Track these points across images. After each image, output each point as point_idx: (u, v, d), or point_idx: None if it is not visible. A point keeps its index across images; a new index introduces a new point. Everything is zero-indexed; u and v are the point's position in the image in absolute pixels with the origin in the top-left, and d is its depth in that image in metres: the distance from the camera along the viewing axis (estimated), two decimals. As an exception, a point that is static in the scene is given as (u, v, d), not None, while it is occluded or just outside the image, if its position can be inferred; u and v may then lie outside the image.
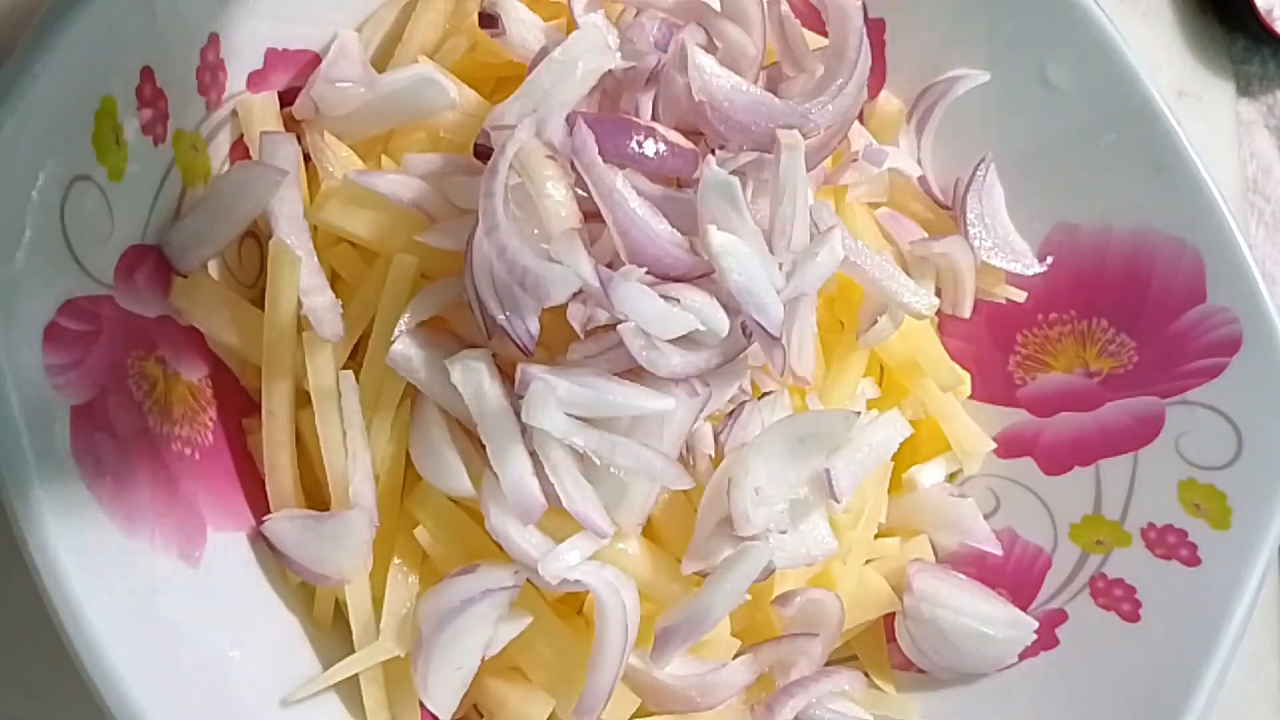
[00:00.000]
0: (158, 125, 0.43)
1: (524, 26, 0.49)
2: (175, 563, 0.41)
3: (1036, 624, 0.53)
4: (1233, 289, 0.53)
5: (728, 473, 0.44)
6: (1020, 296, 0.58)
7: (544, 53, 0.46)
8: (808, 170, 0.46)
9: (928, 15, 0.57)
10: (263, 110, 0.48)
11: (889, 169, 0.56)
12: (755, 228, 0.44)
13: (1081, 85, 0.56)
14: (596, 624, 0.43)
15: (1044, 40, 0.56)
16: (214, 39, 0.45)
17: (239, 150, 0.49)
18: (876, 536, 0.54)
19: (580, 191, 0.43)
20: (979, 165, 0.57)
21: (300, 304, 0.45)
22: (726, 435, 0.46)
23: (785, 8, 0.50)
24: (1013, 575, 0.56)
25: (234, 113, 0.48)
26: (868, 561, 0.54)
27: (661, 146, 0.45)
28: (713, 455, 0.46)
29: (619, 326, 0.42)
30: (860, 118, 0.56)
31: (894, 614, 0.54)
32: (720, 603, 0.44)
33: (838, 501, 0.47)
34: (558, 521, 0.43)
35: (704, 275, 0.44)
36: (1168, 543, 0.53)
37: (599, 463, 0.42)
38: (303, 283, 0.45)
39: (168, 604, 0.40)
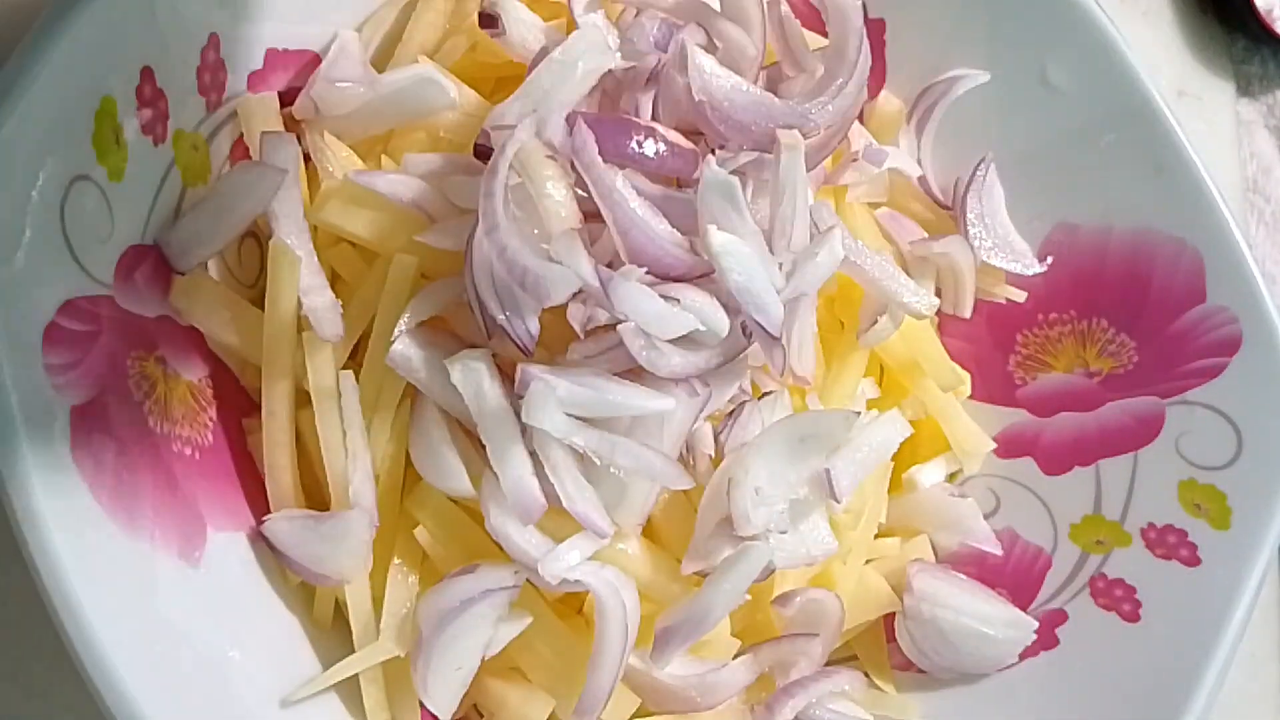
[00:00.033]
0: (158, 125, 0.43)
1: (524, 26, 0.49)
2: (175, 562, 0.41)
3: (1036, 624, 0.53)
4: (1233, 289, 0.53)
5: (728, 473, 0.44)
6: (1020, 296, 0.58)
7: (544, 53, 0.46)
8: (808, 170, 0.46)
9: (928, 15, 0.57)
10: (263, 110, 0.48)
11: (889, 169, 0.56)
12: (755, 228, 0.44)
13: (1081, 85, 0.56)
14: (596, 624, 0.43)
15: (1044, 40, 0.56)
16: (214, 39, 0.45)
17: (239, 150, 0.49)
18: (876, 536, 0.54)
19: (580, 191, 0.43)
20: (979, 165, 0.57)
21: (300, 304, 0.45)
22: (726, 435, 0.46)
23: (785, 8, 0.50)
24: (1013, 575, 0.56)
25: (234, 113, 0.48)
26: (868, 561, 0.54)
27: (661, 146, 0.45)
28: (713, 455, 0.46)
29: (619, 326, 0.42)
30: (860, 118, 0.56)
31: (894, 614, 0.54)
32: (720, 603, 0.44)
33: (838, 501, 0.47)
34: (558, 521, 0.43)
35: (704, 275, 0.44)
36: (1168, 543, 0.53)
37: (599, 463, 0.42)
38: (303, 283, 0.45)
39: (167, 604, 0.40)
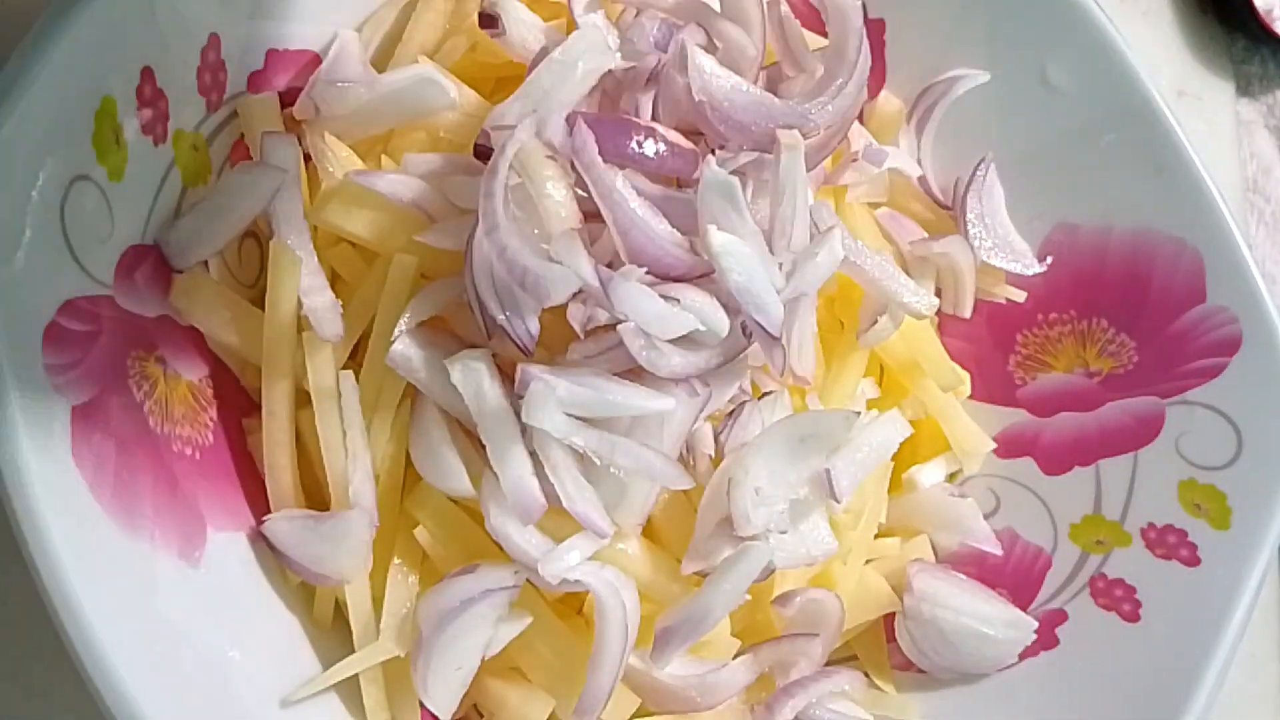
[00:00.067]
0: (158, 125, 0.43)
1: (524, 27, 0.49)
2: (175, 562, 0.41)
3: (1036, 624, 0.53)
4: (1233, 289, 0.53)
5: (728, 473, 0.44)
6: (1020, 296, 0.58)
7: (544, 53, 0.46)
8: (808, 170, 0.46)
9: (928, 15, 0.57)
10: (263, 111, 0.48)
11: (889, 169, 0.56)
12: (755, 228, 0.44)
13: (1081, 85, 0.56)
14: (596, 624, 0.43)
15: (1044, 40, 0.56)
16: (214, 39, 0.45)
17: (239, 151, 0.49)
18: (876, 536, 0.54)
19: (580, 191, 0.43)
20: (979, 165, 0.57)
21: (300, 304, 0.45)
22: (726, 435, 0.46)
23: (785, 8, 0.50)
24: (1013, 575, 0.56)
25: (234, 113, 0.48)
26: (868, 561, 0.54)
27: (661, 146, 0.45)
28: (713, 455, 0.46)
29: (619, 326, 0.42)
30: (860, 118, 0.56)
31: (894, 614, 0.54)
32: (720, 603, 0.44)
33: (838, 501, 0.47)
34: (558, 521, 0.43)
35: (704, 275, 0.44)
36: (1168, 543, 0.53)
37: (599, 463, 0.42)
38: (303, 283, 0.45)
39: (167, 604, 0.40)
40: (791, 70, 0.50)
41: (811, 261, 0.45)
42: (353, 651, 0.45)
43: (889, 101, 0.60)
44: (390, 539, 0.46)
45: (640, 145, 0.44)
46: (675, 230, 0.44)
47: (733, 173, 0.44)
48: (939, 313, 0.57)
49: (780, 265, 0.45)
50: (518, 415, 0.42)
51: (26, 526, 0.35)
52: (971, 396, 0.59)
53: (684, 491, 0.46)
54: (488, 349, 0.44)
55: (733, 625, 0.48)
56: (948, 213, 0.59)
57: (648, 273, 0.42)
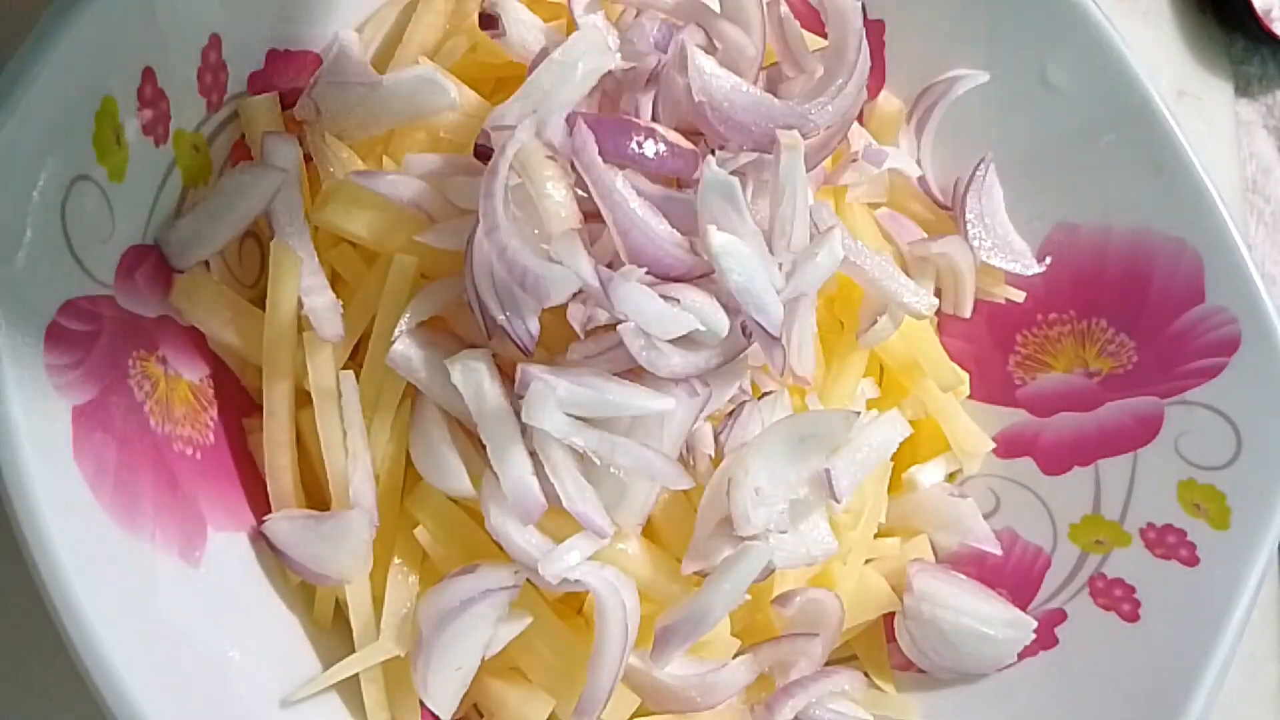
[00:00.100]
0: (159, 126, 0.43)
1: (524, 27, 0.49)
2: (176, 562, 0.41)
3: (1036, 624, 0.53)
4: (1232, 289, 0.53)
5: (728, 473, 0.44)
6: (1020, 296, 0.58)
7: (544, 53, 0.46)
8: (808, 170, 0.46)
9: (927, 16, 0.57)
10: (264, 111, 0.48)
11: (889, 169, 0.56)
12: (755, 228, 0.44)
13: (1081, 85, 0.56)
14: (596, 624, 0.43)
15: (1044, 40, 0.56)
16: (215, 39, 0.45)
17: (240, 151, 0.49)
18: (876, 536, 0.54)
19: (580, 192, 0.43)
20: (978, 165, 0.57)
21: (301, 304, 0.45)
22: (726, 435, 0.46)
23: (785, 9, 0.50)
24: (1012, 575, 0.56)
25: (235, 113, 0.48)
26: (868, 561, 0.54)
27: (661, 147, 0.45)
28: (713, 455, 0.46)
29: (619, 326, 0.42)
30: (860, 118, 0.57)
31: (894, 614, 0.54)
32: (720, 603, 0.44)
33: (838, 501, 0.47)
34: (558, 521, 0.43)
35: (704, 275, 0.44)
36: (1167, 542, 0.53)
37: (599, 463, 0.42)
38: (303, 283, 0.45)
39: (168, 604, 0.40)
40: (791, 71, 0.50)
41: (811, 261, 0.45)
42: (353, 651, 0.45)
43: (889, 101, 0.60)
44: (390, 539, 0.46)
45: (640, 145, 0.44)
46: (675, 230, 0.44)
47: (733, 173, 0.44)
48: (939, 313, 0.57)
49: (780, 265, 0.45)
50: (518, 415, 0.42)
51: (27, 526, 0.35)
52: (971, 396, 0.59)
53: (684, 491, 0.46)
54: (488, 349, 0.44)
55: (733, 625, 0.49)
56: (947, 213, 0.59)
57: (648, 273, 0.43)
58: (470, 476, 0.44)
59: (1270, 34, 0.78)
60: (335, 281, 0.48)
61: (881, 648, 0.55)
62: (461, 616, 0.43)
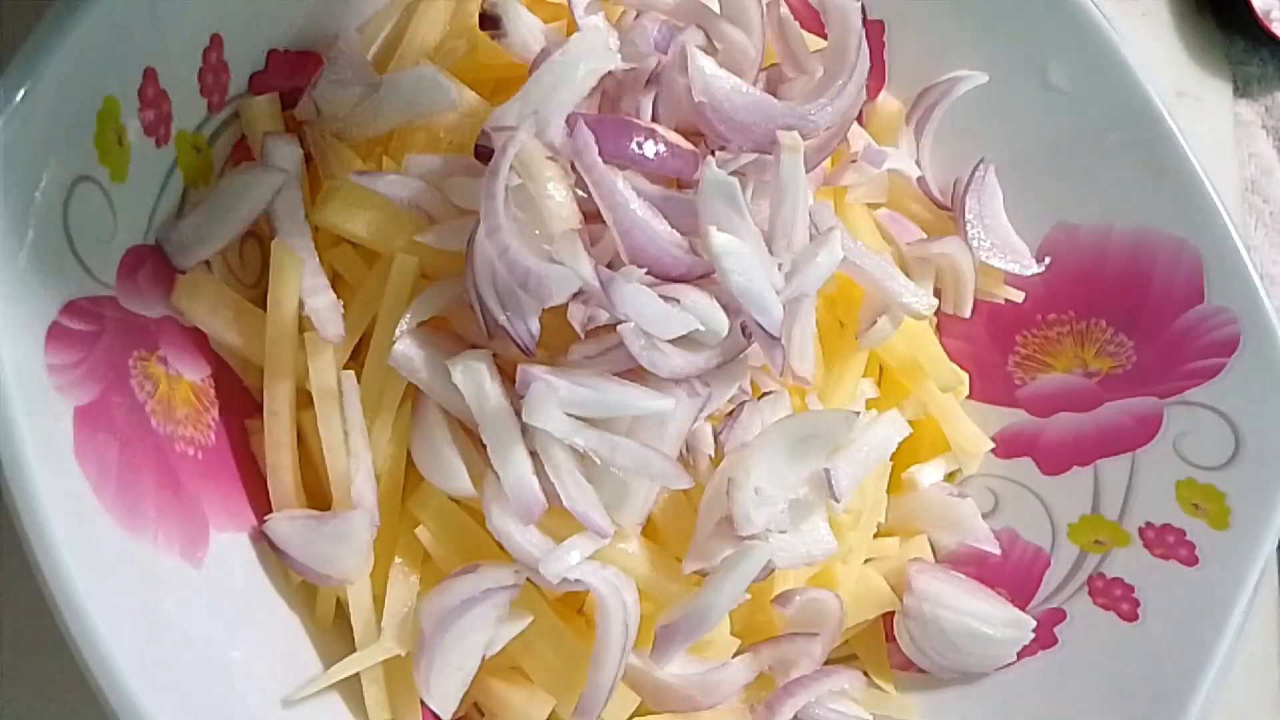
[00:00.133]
0: (160, 126, 0.43)
1: (525, 28, 0.49)
2: (178, 563, 0.41)
3: (1035, 623, 0.53)
4: (1232, 289, 0.53)
5: (728, 473, 0.44)
6: (1019, 297, 0.58)
7: (545, 54, 0.46)
8: (808, 171, 0.46)
9: (927, 16, 0.58)
10: (265, 111, 0.48)
11: (888, 169, 0.56)
12: (755, 228, 0.44)
13: (1081, 86, 0.56)
14: (597, 623, 0.43)
15: (1044, 41, 0.56)
16: (216, 40, 0.45)
17: (241, 151, 0.49)
18: (876, 536, 0.55)
19: (580, 192, 0.43)
20: (978, 166, 0.57)
21: (302, 304, 0.45)
22: (726, 435, 0.46)
23: (785, 9, 0.50)
24: (1012, 575, 0.56)
25: (236, 114, 0.48)
26: (867, 561, 0.54)
27: (662, 147, 0.45)
28: (713, 455, 0.46)
29: (619, 327, 0.42)
30: (860, 119, 0.57)
31: (894, 614, 0.54)
32: (720, 602, 0.44)
33: (838, 501, 0.47)
34: (558, 521, 0.43)
35: (704, 276, 0.44)
36: (1166, 542, 0.53)
37: (599, 463, 0.43)
38: (304, 283, 0.45)
39: (170, 604, 0.40)
40: (791, 71, 0.50)
41: (811, 262, 0.45)
42: (354, 651, 0.45)
43: (889, 102, 0.60)
44: (392, 539, 0.46)
45: (640, 146, 0.45)
46: (675, 231, 0.44)
47: (733, 174, 0.44)
48: (938, 313, 0.57)
49: (780, 266, 0.45)
50: (519, 415, 0.42)
51: (30, 527, 0.35)
52: (971, 396, 0.59)
53: (684, 491, 0.46)
54: (489, 349, 0.44)
55: (733, 625, 0.49)
56: (947, 213, 0.59)
57: (648, 273, 0.43)
58: (471, 476, 0.44)
59: (1270, 34, 0.78)
60: (336, 282, 0.48)
61: (881, 647, 0.55)
62: (463, 616, 0.43)
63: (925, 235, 0.58)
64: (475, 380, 0.43)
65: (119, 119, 0.41)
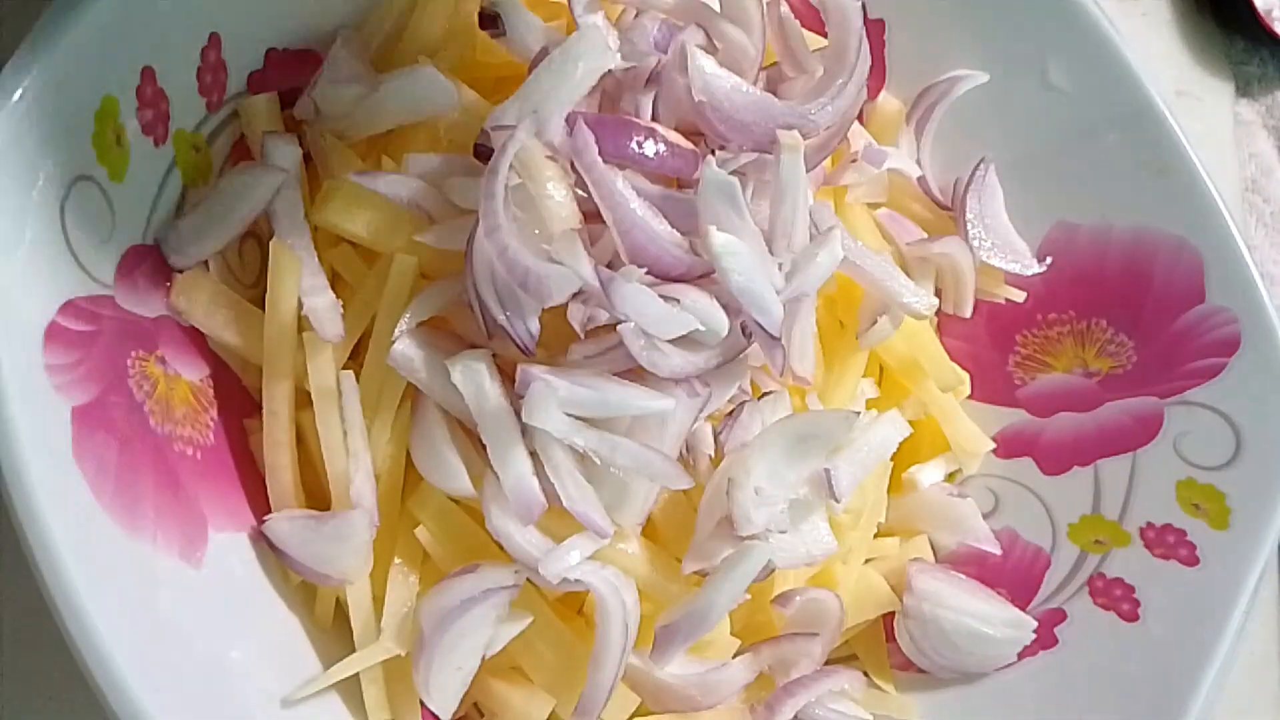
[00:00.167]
0: (159, 125, 0.43)
1: (524, 27, 0.49)
2: (177, 563, 0.41)
3: (1036, 623, 0.53)
4: (1232, 289, 0.53)
5: (728, 473, 0.44)
6: (1020, 296, 0.58)
7: (544, 53, 0.46)
8: (808, 170, 0.46)
9: (928, 16, 0.57)
10: (264, 111, 0.48)
11: (889, 169, 0.56)
12: (755, 228, 0.44)
13: (1081, 85, 0.56)
14: (597, 624, 0.43)
15: (1044, 40, 0.56)
16: (215, 39, 0.45)
17: (240, 151, 0.49)
18: (876, 536, 0.54)
19: (580, 192, 0.43)
20: (978, 165, 0.57)
21: (301, 304, 0.45)
22: (726, 435, 0.46)
23: (785, 9, 0.50)
24: (1012, 575, 0.56)
25: (235, 113, 0.48)
26: (867, 561, 0.54)
27: (661, 147, 0.45)
28: (713, 455, 0.46)
29: (619, 327, 0.42)
30: (860, 118, 0.57)
31: (894, 614, 0.54)
32: (720, 602, 0.44)
33: (838, 501, 0.47)
34: (558, 521, 0.43)
35: (704, 275, 0.44)
36: (1167, 542, 0.53)
37: (599, 463, 0.43)
38: (303, 283, 0.45)
39: (169, 604, 0.40)
40: (792, 71, 0.50)
41: (811, 262, 0.45)
42: (353, 651, 0.45)
43: (889, 101, 0.60)
44: (391, 539, 0.46)
45: (640, 146, 0.45)
46: (675, 230, 0.44)
47: (733, 173, 0.44)
48: (939, 313, 0.57)
49: (780, 266, 0.45)
50: (518, 415, 0.42)
51: (28, 527, 0.35)
52: (971, 396, 0.59)
53: (684, 491, 0.46)
54: (488, 349, 0.44)
55: (733, 625, 0.49)
56: (947, 213, 0.59)
57: (648, 273, 0.43)
58: (471, 476, 0.44)
59: (1271, 34, 0.78)
60: (335, 281, 0.48)
61: (881, 647, 0.55)
62: (462, 616, 0.43)
63: (925, 235, 0.58)
64: (474, 380, 0.43)
65: (117, 118, 0.41)
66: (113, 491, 0.39)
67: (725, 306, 0.44)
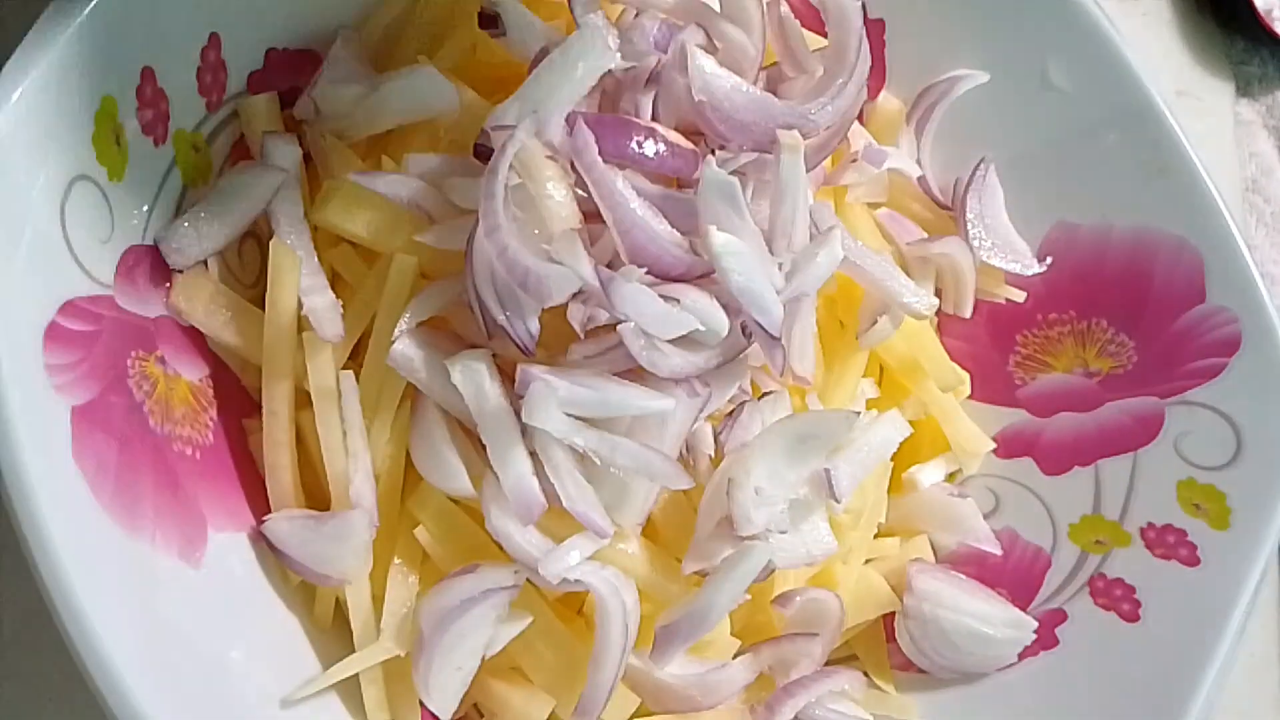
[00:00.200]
0: (158, 125, 0.43)
1: (524, 27, 0.49)
2: (176, 563, 0.41)
3: (1036, 624, 0.53)
4: (1232, 289, 0.53)
5: (728, 473, 0.44)
6: (1020, 296, 0.58)
7: (544, 53, 0.46)
8: (808, 170, 0.46)
9: (928, 16, 0.57)
10: (264, 111, 0.48)
11: (889, 169, 0.56)
12: (755, 228, 0.44)
13: (1081, 85, 0.56)
14: (597, 624, 0.43)
15: (1044, 40, 0.56)
16: (215, 38, 0.45)
17: (240, 150, 0.49)
18: (876, 536, 0.54)
19: (580, 192, 0.43)
20: (978, 165, 0.57)
21: (301, 304, 0.45)
22: (726, 435, 0.46)
23: (785, 8, 0.50)
24: (1012, 575, 0.56)
25: (235, 113, 0.48)
26: (868, 561, 0.54)
27: (661, 147, 0.45)
28: (713, 455, 0.46)
29: (619, 327, 0.42)
30: (860, 118, 0.57)
31: (894, 614, 0.54)
32: (720, 603, 0.44)
33: (838, 501, 0.47)
34: (558, 521, 0.43)
35: (704, 275, 0.44)
36: (1167, 542, 0.53)
37: (599, 463, 0.42)
38: (303, 283, 0.45)
39: (169, 604, 0.40)
40: (792, 70, 0.50)
41: (811, 262, 0.45)
42: (353, 651, 0.45)
43: (889, 101, 0.60)
44: (391, 539, 0.46)
45: (640, 145, 0.44)
46: (675, 230, 0.44)
47: (733, 173, 0.44)
48: (939, 313, 0.57)
49: (780, 265, 0.45)
50: (518, 415, 0.42)
51: (27, 527, 0.35)
52: (971, 396, 0.59)
53: (684, 491, 0.46)
54: (488, 349, 0.44)
55: (733, 625, 0.49)
56: (947, 213, 0.59)
57: (648, 273, 0.43)
58: (470, 477, 0.44)
59: (1271, 34, 0.78)
60: (335, 281, 0.48)
61: (881, 648, 0.55)
62: (462, 616, 0.43)
63: (926, 235, 0.58)
64: (474, 380, 0.43)
65: (117, 118, 0.41)
66: (112, 491, 0.39)
67: (725, 306, 0.44)
